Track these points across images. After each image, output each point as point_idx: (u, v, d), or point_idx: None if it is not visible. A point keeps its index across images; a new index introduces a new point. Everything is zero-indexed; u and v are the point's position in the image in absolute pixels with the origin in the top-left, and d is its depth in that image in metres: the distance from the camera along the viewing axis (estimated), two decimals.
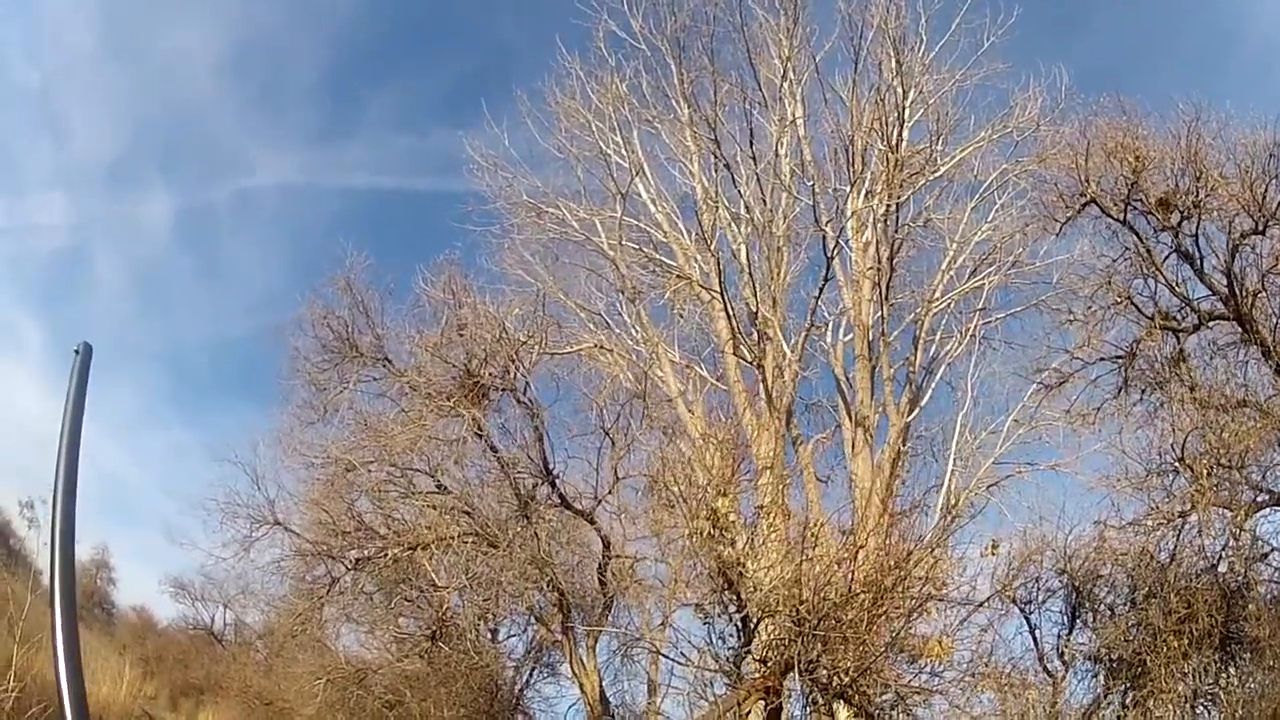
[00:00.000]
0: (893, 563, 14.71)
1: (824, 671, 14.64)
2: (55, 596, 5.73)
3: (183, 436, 73.98)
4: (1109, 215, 22.30)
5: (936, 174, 25.20)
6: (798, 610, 14.41)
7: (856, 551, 15.11)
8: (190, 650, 44.21)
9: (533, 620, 25.24)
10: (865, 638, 14.33)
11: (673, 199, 26.25)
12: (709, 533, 15.92)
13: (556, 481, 21.10)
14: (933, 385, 24.88)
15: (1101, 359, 23.30)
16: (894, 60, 24.64)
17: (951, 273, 25.40)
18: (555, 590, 21.94)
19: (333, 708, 27.57)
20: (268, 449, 24.95)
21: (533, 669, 28.42)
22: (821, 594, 14.51)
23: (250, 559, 24.09)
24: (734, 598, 16.04)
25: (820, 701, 14.85)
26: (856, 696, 14.65)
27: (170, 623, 48.14)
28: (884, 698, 15.06)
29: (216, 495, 24.03)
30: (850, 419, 24.04)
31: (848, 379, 24.75)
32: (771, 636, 16.13)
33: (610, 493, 21.71)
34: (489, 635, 27.05)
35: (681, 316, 25.53)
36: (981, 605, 16.05)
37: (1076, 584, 20.76)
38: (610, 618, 23.82)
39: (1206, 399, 21.13)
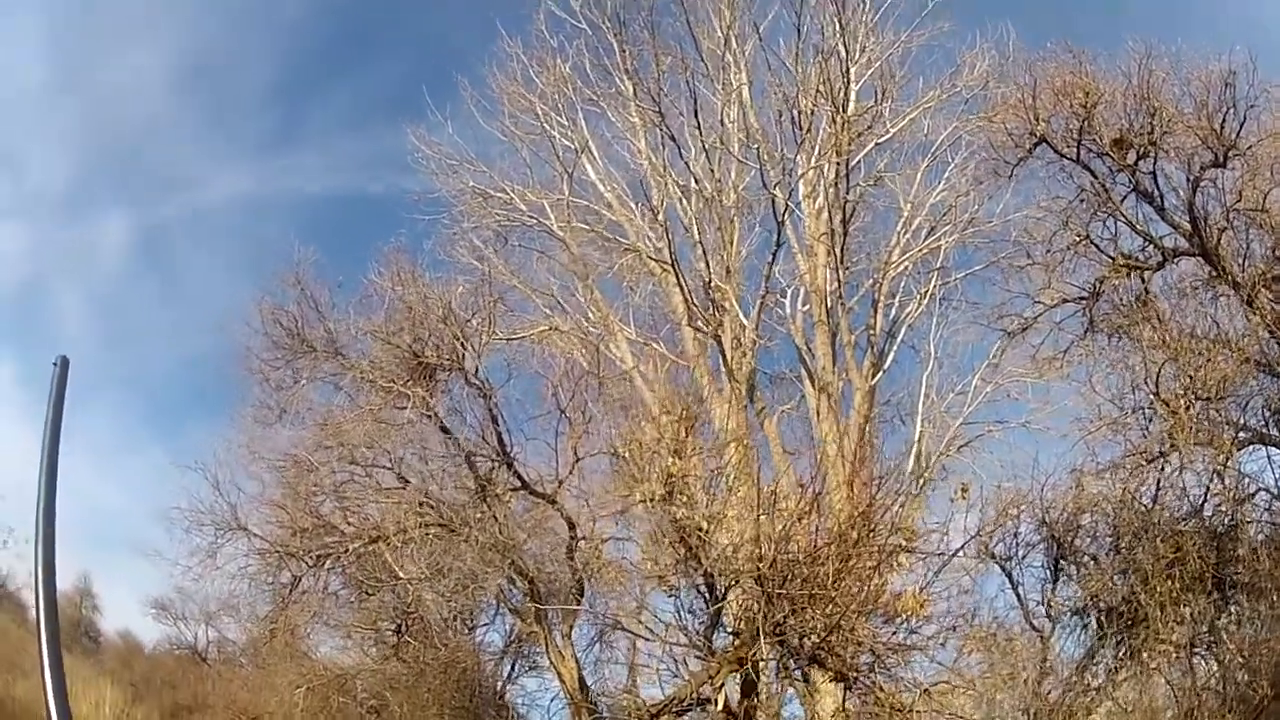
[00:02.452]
0: (858, 513, 13.10)
1: (793, 634, 13.06)
2: (39, 599, 5.66)
3: (160, 458, 71.87)
4: (1061, 155, 20.86)
5: (886, 136, 24.05)
6: (760, 571, 12.85)
7: (814, 502, 13.49)
8: (177, 671, 42.45)
9: (506, 612, 23.49)
10: (833, 595, 12.77)
11: (621, 178, 25.10)
12: (662, 495, 14.33)
13: (515, 463, 19.46)
14: (895, 349, 23.72)
15: (1065, 300, 21.76)
16: (837, 23, 23.27)
17: (908, 234, 24.21)
18: (525, 578, 20.33)
19: (315, 715, 25.95)
20: (228, 454, 23.11)
21: (513, 663, 26.78)
22: (784, 552, 12.97)
23: (217, 567, 22.23)
24: (696, 565, 14.45)
25: (792, 667, 13.21)
26: (830, 658, 13.09)
27: (156, 645, 46.66)
28: (860, 659, 13.44)
29: (180, 504, 22.19)
30: (814, 387, 22.68)
31: (808, 347, 23.40)
32: (741, 605, 14.69)
33: (571, 473, 20.04)
34: (466, 630, 25.37)
35: (633, 289, 24.15)
36: (956, 555, 14.47)
37: (1056, 535, 19.32)
38: (584, 603, 22.29)
39: (1175, 338, 19.64)
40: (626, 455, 15.37)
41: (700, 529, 14.48)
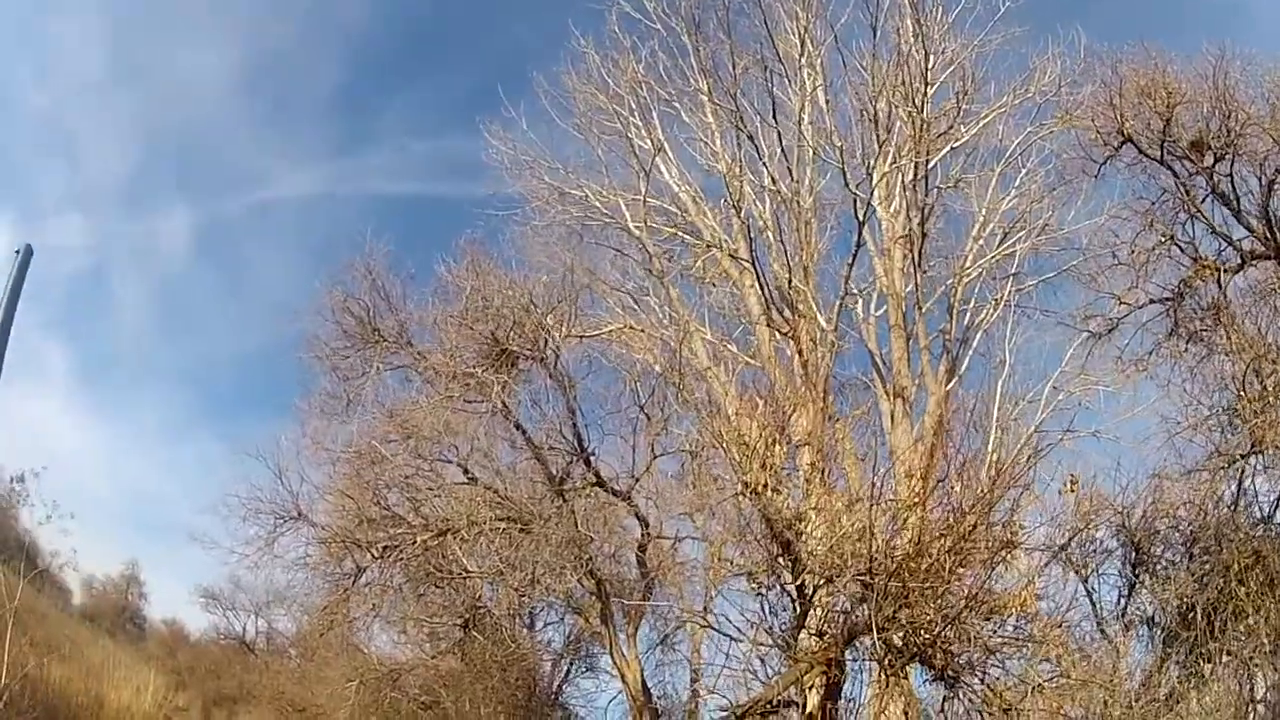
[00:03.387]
0: (970, 504, 12.24)
1: (897, 631, 12.23)
2: None
3: (212, 450, 71.51)
4: (1146, 155, 20.25)
5: (961, 140, 23.16)
6: (870, 565, 12.03)
7: (927, 496, 12.67)
8: (223, 661, 41.92)
9: (570, 611, 22.70)
10: (947, 588, 11.95)
11: (696, 180, 24.17)
12: (766, 484, 13.54)
13: (591, 460, 18.76)
14: (969, 354, 22.72)
15: (1151, 301, 21.00)
16: (913, 25, 22.46)
17: (981, 240, 23.31)
18: (592, 578, 19.63)
19: (366, 710, 25.35)
20: (290, 443, 22.42)
21: (571, 663, 26.07)
22: (891, 546, 12.16)
23: (274, 555, 21.55)
24: (790, 563, 13.67)
25: (894, 666, 12.35)
26: (938, 655, 12.22)
27: (202, 634, 46.08)
28: (966, 657, 12.59)
29: (238, 492, 21.48)
30: (887, 392, 21.87)
31: (881, 353, 22.56)
32: (827, 605, 13.98)
33: (647, 470, 19.39)
34: (525, 627, 24.62)
35: (715, 285, 23.29)
36: (1065, 548, 13.51)
37: (1135, 541, 18.40)
38: (650, 606, 21.58)
39: (1253, 341, 19.10)
40: (725, 448, 14.48)
41: (793, 524, 13.66)
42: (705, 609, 23.61)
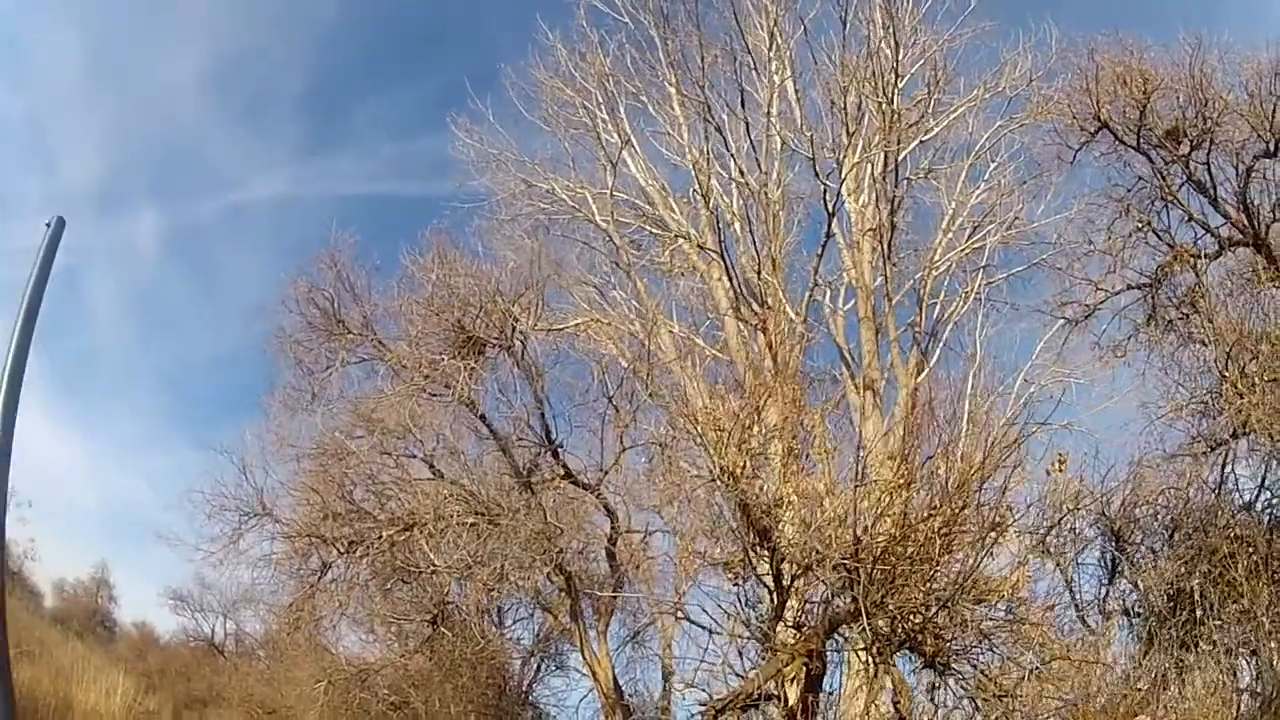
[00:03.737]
0: (957, 484, 11.72)
1: (889, 617, 11.70)
2: None
3: (188, 457, 70.16)
4: (1122, 141, 20.20)
5: (931, 134, 22.91)
6: (855, 549, 11.51)
7: (911, 478, 12.13)
8: (192, 663, 40.95)
9: (539, 608, 22.03)
10: (936, 571, 11.46)
11: (664, 173, 23.73)
12: (743, 467, 12.98)
13: (559, 452, 18.20)
14: (939, 347, 22.14)
15: (1130, 287, 20.87)
16: (883, 17, 22.22)
17: (950, 233, 22.89)
18: (561, 573, 19.04)
19: (335, 711, 24.51)
20: (255, 438, 21.67)
21: (541, 661, 25.32)
22: (875, 529, 11.64)
23: (239, 553, 20.79)
24: (768, 552, 13.13)
25: (883, 654, 11.81)
26: (929, 642, 11.69)
27: (171, 636, 45.05)
28: (955, 642, 12.06)
29: (203, 488, 20.72)
30: (856, 385, 21.42)
31: (849, 346, 22.21)
32: (805, 594, 13.54)
33: (616, 463, 18.80)
34: (494, 625, 23.94)
35: (682, 278, 22.88)
36: (1053, 530, 12.98)
37: (1116, 529, 17.98)
38: (620, 602, 20.97)
39: (1229, 328, 18.70)
40: (699, 433, 13.89)
41: (770, 511, 13.12)
42: (678, 603, 23.13)
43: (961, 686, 11.82)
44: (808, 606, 13.59)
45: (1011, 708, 11.69)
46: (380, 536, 18.53)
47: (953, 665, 11.94)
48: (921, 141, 22.85)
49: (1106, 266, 20.82)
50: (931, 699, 12.22)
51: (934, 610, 11.44)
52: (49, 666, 28.02)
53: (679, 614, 14.65)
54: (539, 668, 25.67)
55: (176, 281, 74.96)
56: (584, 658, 20.25)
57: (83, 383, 70.31)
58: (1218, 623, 16.44)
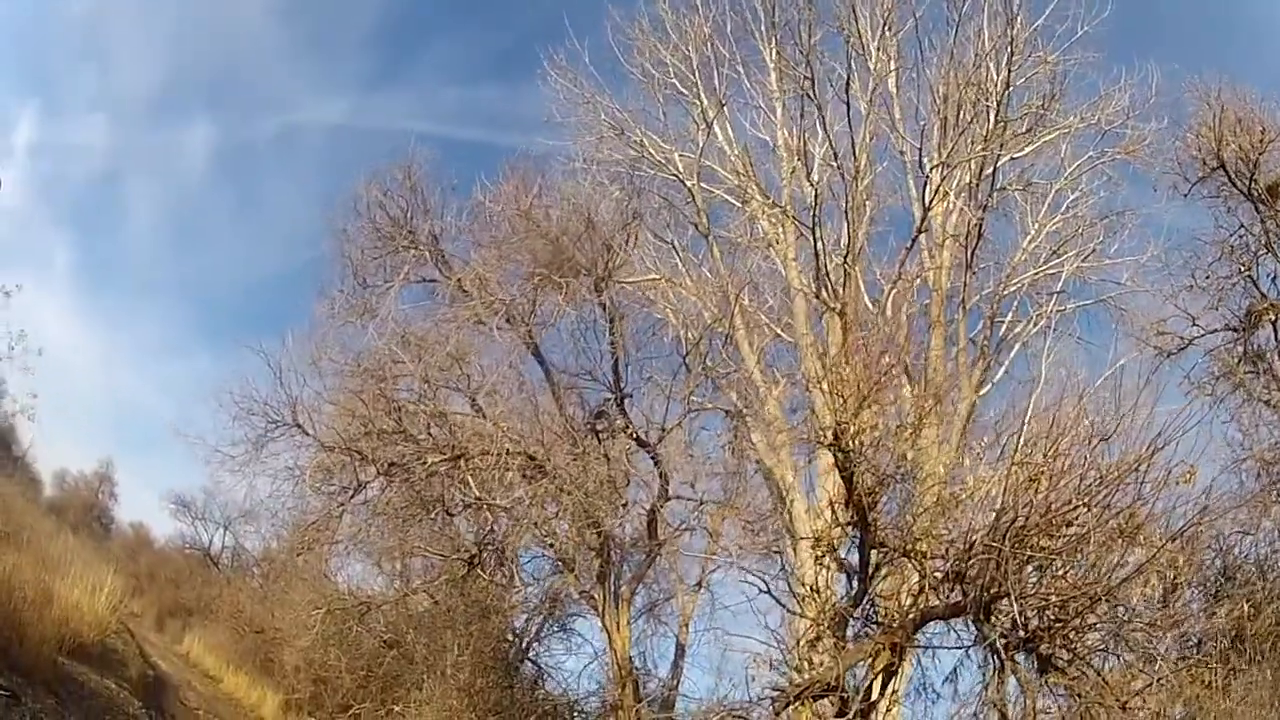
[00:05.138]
0: (1118, 473, 9.72)
1: (1006, 614, 9.69)
2: None
3: (207, 368, 67.39)
4: (1234, 184, 18.63)
5: (1024, 151, 21.02)
6: (1006, 530, 9.50)
7: (1055, 458, 10.08)
8: (184, 570, 38.83)
9: (560, 566, 19.73)
10: (1070, 569, 9.56)
11: (749, 148, 21.66)
12: (874, 428, 10.97)
13: (625, 402, 16.11)
14: (1005, 363, 20.67)
15: (1227, 328, 19.15)
16: (999, 23, 20.39)
17: (1028, 254, 21.23)
18: (598, 532, 16.94)
19: (328, 642, 22.46)
20: (297, 344, 19.30)
21: (544, 621, 23.16)
22: (1020, 513, 9.63)
23: (260, 461, 18.49)
24: (861, 530, 11.11)
25: (1007, 653, 9.72)
26: (1057, 641, 9.66)
27: (168, 541, 43.11)
28: (1088, 641, 10.02)
29: (231, 389, 18.47)
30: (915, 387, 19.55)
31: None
32: (904, 580, 11.56)
33: (680, 424, 16.75)
34: (505, 579, 21.81)
35: (755, 251, 20.99)
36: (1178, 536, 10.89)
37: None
38: (652, 574, 18.97)
39: None
40: (821, 387, 11.88)
41: (878, 487, 11.09)
42: (699, 584, 21.16)
43: (1078, 693, 9.74)
44: (899, 595, 11.57)
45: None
46: (425, 463, 16.35)
47: (1068, 668, 9.88)
48: (1013, 158, 21.10)
49: (1204, 303, 19.22)
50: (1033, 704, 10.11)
51: (1089, 603, 9.42)
52: (35, 555, 25.80)
53: (763, 586, 12.42)
54: (540, 629, 23.59)
55: (219, 197, 72.87)
56: (604, 624, 18.23)
57: (113, 281, 67.90)
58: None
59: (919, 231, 19.21)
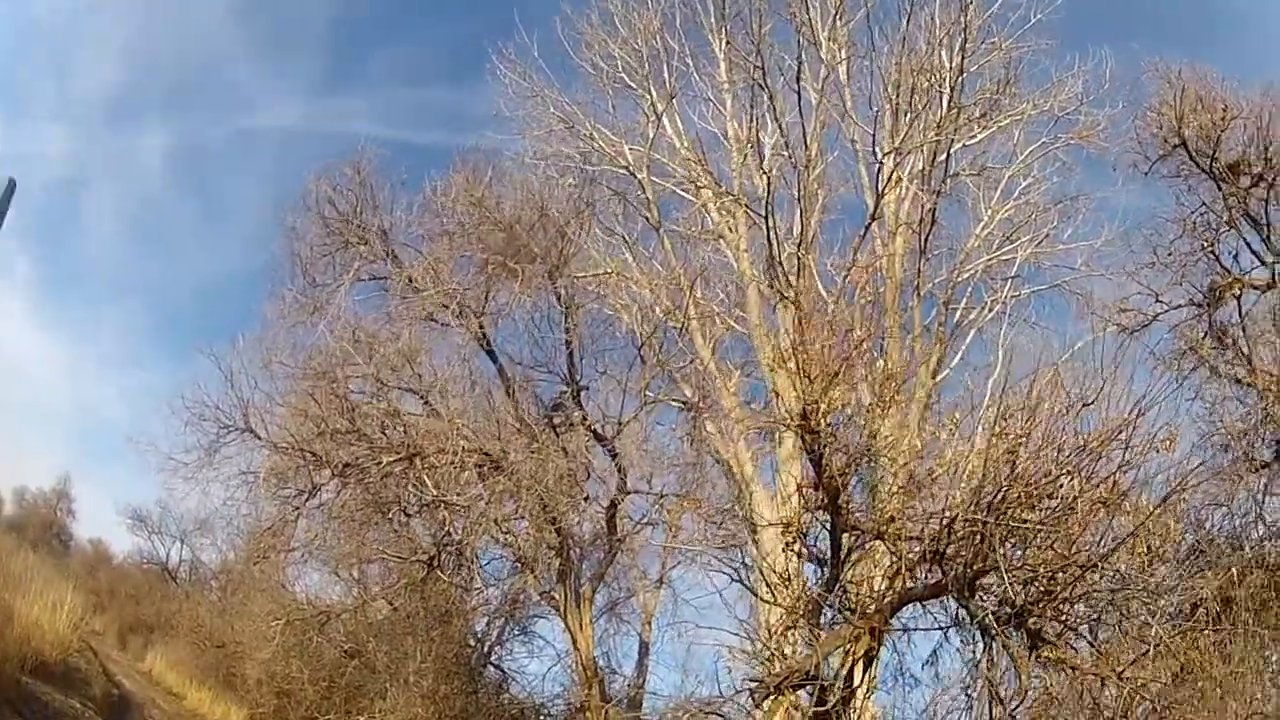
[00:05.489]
0: (1101, 438, 9.25)
1: (993, 590, 9.23)
2: None
3: (164, 376, 66.13)
4: (1196, 163, 18.52)
5: (976, 139, 20.88)
6: (985, 505, 9.09)
7: (1033, 428, 9.64)
8: (143, 586, 37.80)
9: (518, 567, 19.11)
10: (1056, 539, 9.03)
11: (699, 139, 21.34)
12: (840, 406, 10.51)
13: (581, 395, 15.57)
14: (961, 350, 20.46)
15: (1191, 303, 19.02)
16: (952, 10, 20.25)
17: (982, 240, 21.08)
18: (556, 530, 16.40)
19: (289, 654, 21.73)
20: (248, 346, 18.58)
21: (505, 624, 22.58)
22: (999, 485, 9.19)
23: (213, 467, 17.74)
24: (841, 506, 10.62)
25: (998, 631, 9.25)
26: (1048, 614, 9.19)
27: (126, 557, 42.06)
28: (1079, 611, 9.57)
29: (183, 395, 17.72)
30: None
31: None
32: (876, 563, 11.09)
33: (635, 418, 16.23)
34: (464, 582, 21.19)
35: (705, 243, 20.49)
36: (1166, 501, 10.44)
37: None
38: (613, 572, 18.42)
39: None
40: (786, 369, 11.40)
41: (847, 468, 10.61)
42: (660, 580, 20.68)
43: (1071, 665, 9.29)
44: (873, 578, 11.10)
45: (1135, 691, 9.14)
46: (380, 463, 15.72)
47: (1058, 641, 9.43)
48: (965, 145, 20.88)
49: (1168, 280, 19.14)
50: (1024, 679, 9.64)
51: (1079, 573, 8.96)
52: None
53: (736, 576, 11.92)
54: (502, 631, 23.00)
55: (177, 201, 71.73)
56: (566, 625, 17.68)
57: (74, 291, 66.71)
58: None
59: (872, 219, 18.90)
